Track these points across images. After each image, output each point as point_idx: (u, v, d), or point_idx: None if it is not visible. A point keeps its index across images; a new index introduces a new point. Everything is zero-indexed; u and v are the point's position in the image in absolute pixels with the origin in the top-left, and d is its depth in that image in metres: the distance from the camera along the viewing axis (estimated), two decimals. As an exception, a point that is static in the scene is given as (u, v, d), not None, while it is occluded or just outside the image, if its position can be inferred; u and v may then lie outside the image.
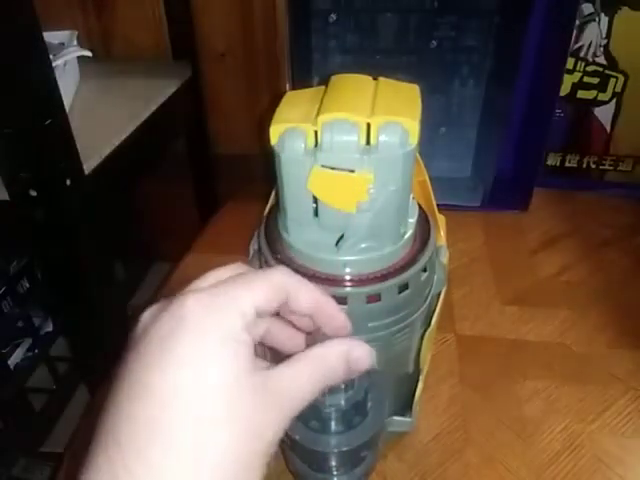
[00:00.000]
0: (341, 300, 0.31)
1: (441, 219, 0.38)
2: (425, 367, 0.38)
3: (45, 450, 0.89)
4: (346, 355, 0.24)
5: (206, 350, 0.21)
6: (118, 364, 0.22)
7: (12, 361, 0.90)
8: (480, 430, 0.42)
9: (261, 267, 0.35)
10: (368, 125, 0.28)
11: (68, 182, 0.54)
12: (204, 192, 0.99)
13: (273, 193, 0.38)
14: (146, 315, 0.23)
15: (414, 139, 0.28)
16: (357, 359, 0.24)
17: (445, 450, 0.41)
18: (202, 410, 0.20)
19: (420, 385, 0.39)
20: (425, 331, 0.36)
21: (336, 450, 0.29)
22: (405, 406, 0.41)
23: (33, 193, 0.52)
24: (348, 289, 0.31)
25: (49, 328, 0.98)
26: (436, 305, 0.36)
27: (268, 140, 0.29)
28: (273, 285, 0.23)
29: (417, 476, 0.39)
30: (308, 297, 0.24)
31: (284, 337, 0.27)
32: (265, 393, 0.21)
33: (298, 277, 0.25)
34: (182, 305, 0.22)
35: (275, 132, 0.29)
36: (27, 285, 0.91)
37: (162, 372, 0.20)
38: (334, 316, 0.25)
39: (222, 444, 0.20)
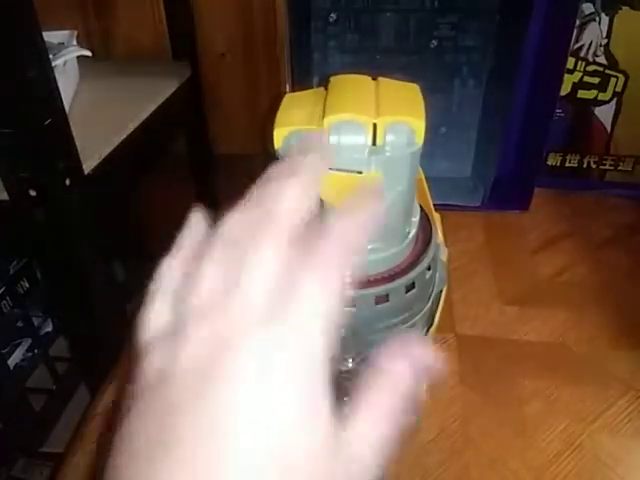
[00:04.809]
0: (349, 303, 0.31)
1: (436, 217, 0.38)
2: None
3: (45, 450, 0.89)
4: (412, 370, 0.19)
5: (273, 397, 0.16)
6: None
7: (12, 361, 0.90)
8: (480, 430, 0.42)
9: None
10: (374, 125, 0.27)
11: (68, 182, 0.54)
12: (204, 192, 0.99)
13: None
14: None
15: (420, 138, 0.28)
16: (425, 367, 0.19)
17: (445, 450, 0.41)
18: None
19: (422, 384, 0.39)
20: (427, 330, 0.36)
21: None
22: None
23: (33, 193, 0.52)
24: (356, 291, 0.31)
25: (49, 328, 0.98)
26: (438, 303, 0.36)
27: (270, 142, 0.29)
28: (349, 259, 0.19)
29: (417, 476, 0.39)
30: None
31: None
32: (338, 463, 0.17)
33: (351, 223, 0.20)
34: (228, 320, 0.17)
35: (279, 135, 0.29)
36: (27, 285, 0.91)
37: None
38: None
39: None
